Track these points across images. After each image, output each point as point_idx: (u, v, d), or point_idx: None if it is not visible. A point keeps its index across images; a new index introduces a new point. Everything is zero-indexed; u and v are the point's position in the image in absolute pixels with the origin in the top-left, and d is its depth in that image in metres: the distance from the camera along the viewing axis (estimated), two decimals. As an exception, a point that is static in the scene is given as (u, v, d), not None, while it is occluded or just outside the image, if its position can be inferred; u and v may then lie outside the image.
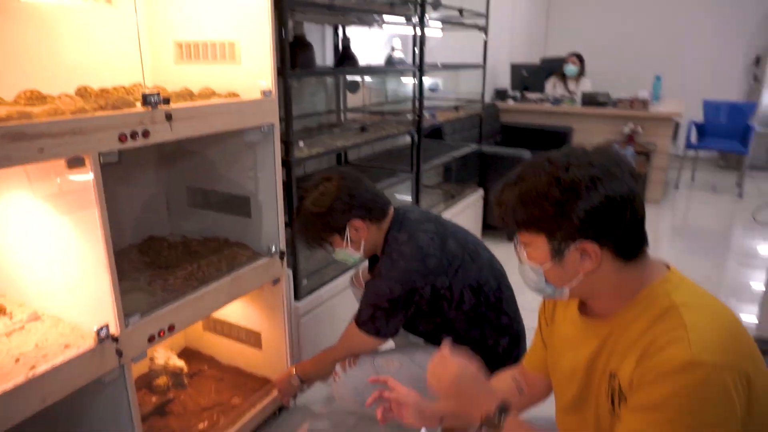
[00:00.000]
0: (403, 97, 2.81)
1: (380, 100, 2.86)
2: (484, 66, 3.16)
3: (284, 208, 1.71)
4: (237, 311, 1.92)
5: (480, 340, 1.54)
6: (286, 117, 1.67)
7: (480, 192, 3.46)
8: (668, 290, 0.89)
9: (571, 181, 0.86)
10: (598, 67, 5.57)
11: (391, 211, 1.55)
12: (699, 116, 5.08)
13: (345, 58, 2.40)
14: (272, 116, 1.59)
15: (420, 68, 2.44)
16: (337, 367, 1.60)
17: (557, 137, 4.40)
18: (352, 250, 1.52)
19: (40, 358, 1.15)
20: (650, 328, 0.87)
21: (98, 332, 1.19)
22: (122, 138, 1.15)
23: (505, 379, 1.26)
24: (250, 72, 1.57)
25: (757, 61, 5.51)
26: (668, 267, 0.95)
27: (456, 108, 3.05)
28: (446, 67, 2.96)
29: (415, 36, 2.42)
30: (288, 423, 1.88)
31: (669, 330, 0.84)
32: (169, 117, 1.23)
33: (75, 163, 1.08)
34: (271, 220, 1.71)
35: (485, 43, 3.14)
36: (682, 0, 5.82)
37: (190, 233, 1.87)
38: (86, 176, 1.12)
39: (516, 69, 4.84)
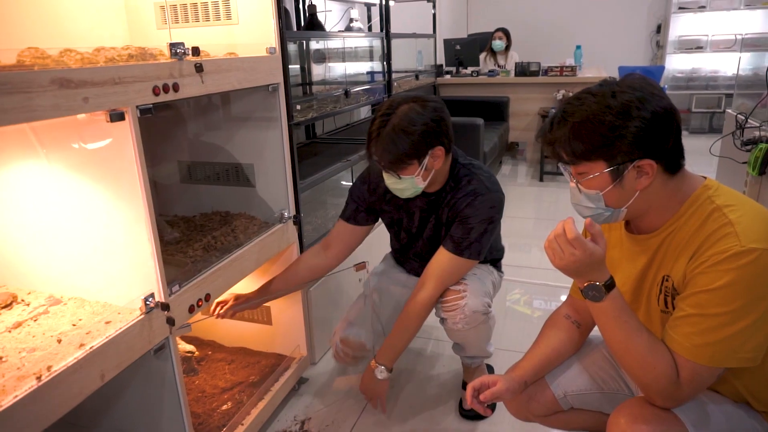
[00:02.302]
0: (363, 70, 2.81)
1: (341, 73, 2.84)
2: (434, 35, 3.22)
3: (291, 173, 1.67)
4: (241, 288, 1.85)
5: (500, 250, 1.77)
6: (285, 79, 1.62)
7: (439, 161, 3.54)
8: (710, 195, 0.98)
9: (622, 105, 0.92)
10: (522, 40, 5.85)
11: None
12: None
13: (312, 26, 2.35)
14: (278, 75, 1.54)
15: (387, 34, 2.46)
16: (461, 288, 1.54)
17: (496, 107, 4.58)
18: (420, 179, 1.43)
19: (84, 336, 1.05)
20: (700, 229, 0.96)
21: (145, 301, 1.11)
22: (156, 90, 1.08)
23: (558, 319, 1.32)
24: (249, 32, 1.52)
25: (659, 29, 6.04)
26: (705, 177, 1.05)
27: (416, 76, 3.09)
28: (400, 36, 2.99)
29: (380, 4, 2.43)
30: (309, 393, 1.85)
31: (718, 228, 0.93)
32: (199, 68, 1.16)
33: (116, 117, 1.00)
34: (280, 185, 1.66)
35: (434, 15, 3.21)
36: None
37: (184, 212, 1.77)
38: (118, 134, 1.04)
39: (449, 44, 4.97)
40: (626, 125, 0.92)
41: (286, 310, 1.82)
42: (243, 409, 1.60)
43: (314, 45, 2.54)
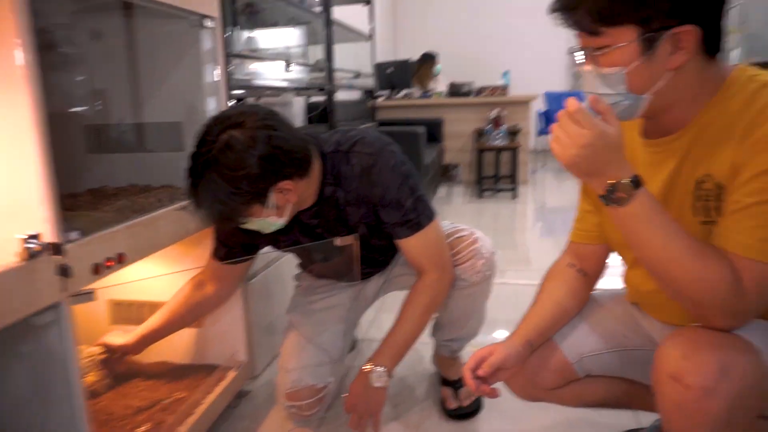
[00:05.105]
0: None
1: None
2: (371, 37, 3.10)
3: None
4: (162, 286, 1.49)
5: None
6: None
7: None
8: (751, 75, 0.83)
9: None
10: (450, 65, 5.94)
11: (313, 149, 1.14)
12: (539, 107, 5.66)
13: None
14: (213, 8, 1.28)
15: (329, 25, 2.28)
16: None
17: (432, 128, 4.52)
18: (273, 218, 1.08)
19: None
20: (745, 110, 0.80)
21: (26, 241, 0.77)
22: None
23: (561, 270, 1.12)
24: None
25: (575, 61, 6.39)
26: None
27: (357, 75, 2.92)
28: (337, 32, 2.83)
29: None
30: (250, 411, 1.49)
31: None
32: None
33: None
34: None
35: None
36: (512, 5, 6.56)
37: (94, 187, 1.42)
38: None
39: (380, 68, 4.90)
40: None
41: (219, 310, 1.48)
42: (166, 430, 1.22)
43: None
